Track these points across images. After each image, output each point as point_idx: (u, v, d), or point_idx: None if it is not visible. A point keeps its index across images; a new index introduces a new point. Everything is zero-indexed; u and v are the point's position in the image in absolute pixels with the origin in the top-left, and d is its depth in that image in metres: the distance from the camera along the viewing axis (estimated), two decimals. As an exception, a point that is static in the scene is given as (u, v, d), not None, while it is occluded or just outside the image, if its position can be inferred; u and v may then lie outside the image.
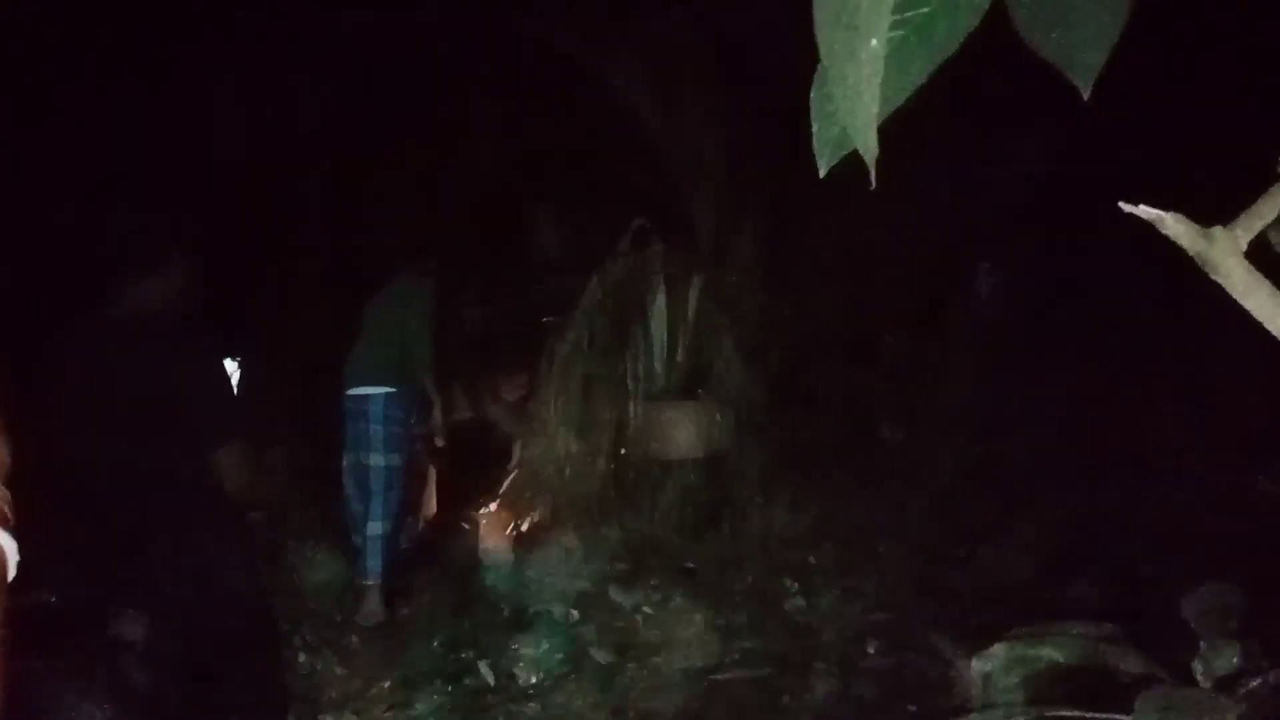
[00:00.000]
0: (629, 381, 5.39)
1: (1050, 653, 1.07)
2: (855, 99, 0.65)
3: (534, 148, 5.66)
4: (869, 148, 0.67)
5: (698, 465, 5.26)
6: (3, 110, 4.34)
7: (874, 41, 0.63)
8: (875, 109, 0.65)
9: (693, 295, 5.45)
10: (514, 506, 5.48)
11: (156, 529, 2.48)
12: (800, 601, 4.45)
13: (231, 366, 4.99)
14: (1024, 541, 3.39)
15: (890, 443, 4.96)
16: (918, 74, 0.86)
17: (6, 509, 0.74)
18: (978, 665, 1.12)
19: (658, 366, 5.42)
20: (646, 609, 4.47)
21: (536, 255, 6.12)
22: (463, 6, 4.97)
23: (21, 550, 0.74)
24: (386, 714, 3.81)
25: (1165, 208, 0.95)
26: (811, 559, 4.92)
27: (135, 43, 4.66)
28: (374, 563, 4.78)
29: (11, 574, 0.73)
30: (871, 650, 3.82)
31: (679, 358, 5.46)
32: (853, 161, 0.90)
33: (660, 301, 5.37)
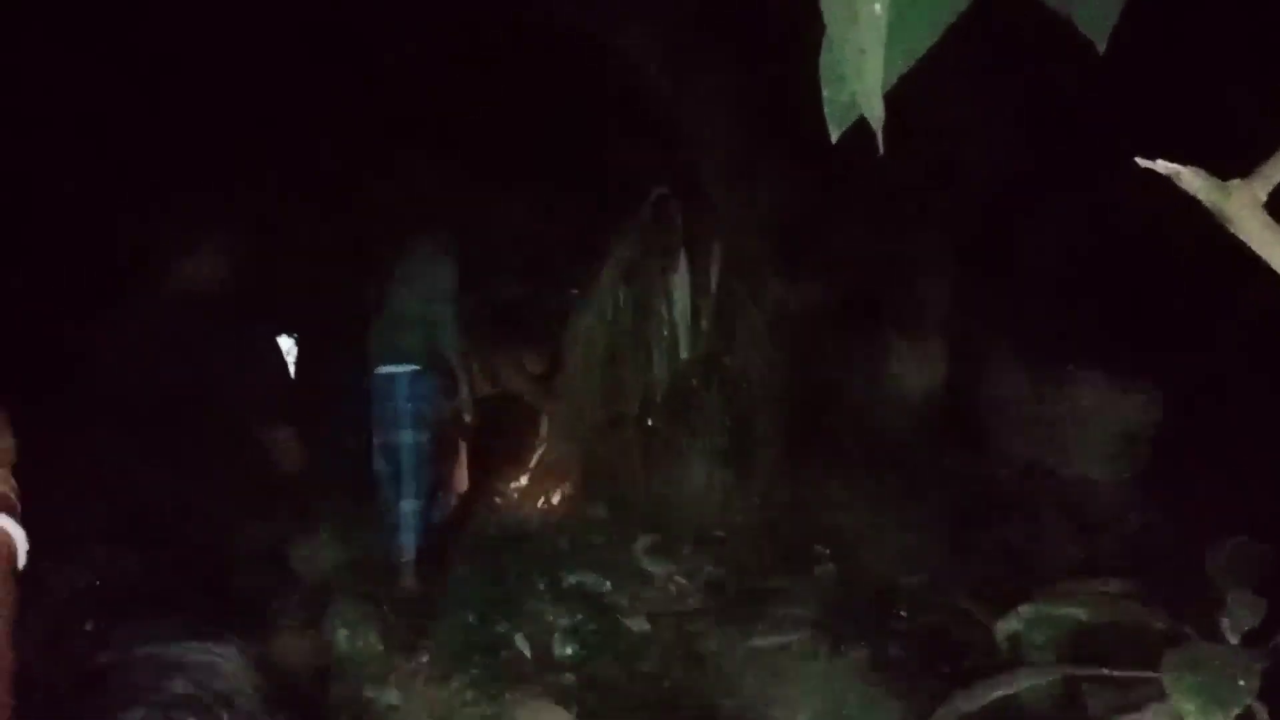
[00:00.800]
0: (652, 352, 5.39)
1: (1075, 611, 1.07)
2: (859, 64, 0.64)
3: (551, 120, 5.63)
4: (875, 113, 0.67)
5: (725, 433, 5.26)
6: (46, 93, 4.40)
7: (876, 5, 0.62)
8: (880, 74, 0.65)
9: (714, 264, 5.43)
10: (544, 480, 5.53)
11: (206, 503, 2.54)
12: (830, 567, 4.47)
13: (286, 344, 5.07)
14: (1048, 502, 3.39)
15: (918, 403, 4.94)
16: (926, 36, 0.86)
17: (14, 497, 0.76)
18: (1003, 625, 1.12)
19: (681, 336, 5.41)
20: (679, 578, 4.51)
21: (555, 228, 6.11)
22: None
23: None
24: (425, 688, 3.87)
25: (1182, 162, 0.94)
26: (842, 524, 4.93)
27: (172, 26, 4.71)
28: (407, 539, 4.84)
29: (22, 562, 0.75)
30: (903, 613, 3.84)
31: (703, 326, 5.45)
32: (865, 126, 0.90)
33: (682, 271, 5.35)
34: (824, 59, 0.87)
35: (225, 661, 2.45)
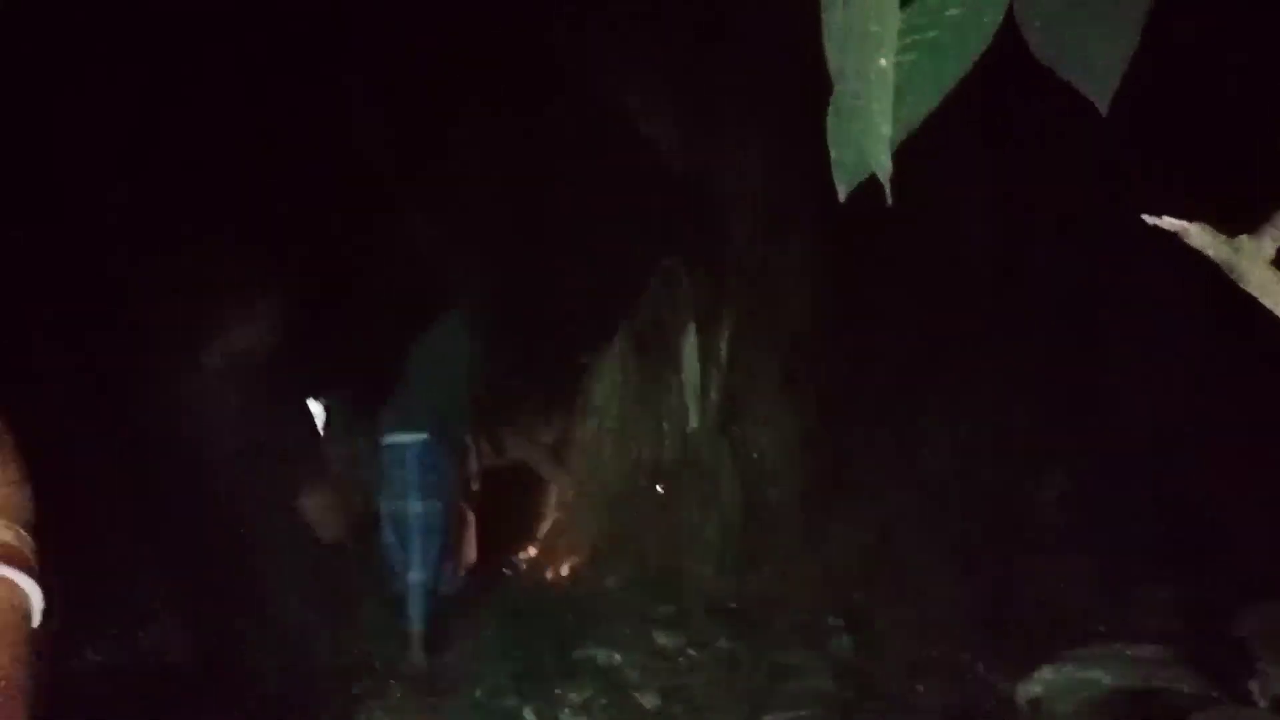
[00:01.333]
0: (663, 422, 5.39)
1: (1099, 674, 1.04)
2: (868, 120, 0.65)
3: (567, 188, 5.72)
4: (884, 168, 0.68)
5: (738, 504, 5.22)
6: (92, 155, 4.52)
7: (882, 61, 0.64)
8: (888, 129, 0.66)
9: (725, 332, 5.45)
10: (554, 550, 5.48)
11: (243, 565, 2.54)
12: (846, 640, 4.39)
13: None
14: (1073, 570, 3.33)
15: (931, 475, 4.89)
16: (931, 95, 0.87)
17: (29, 554, 0.75)
18: (1023, 690, 1.09)
19: (692, 406, 5.41)
20: (691, 650, 4.43)
21: (567, 296, 6.16)
22: (495, 41, 5.08)
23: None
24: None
25: (1190, 219, 0.94)
26: (856, 596, 4.86)
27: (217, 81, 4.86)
28: (415, 611, 4.78)
29: (36, 620, 0.74)
30: (921, 689, 3.75)
31: (714, 395, 5.45)
32: (872, 186, 0.91)
33: (692, 340, 5.37)
34: (830, 121, 0.89)
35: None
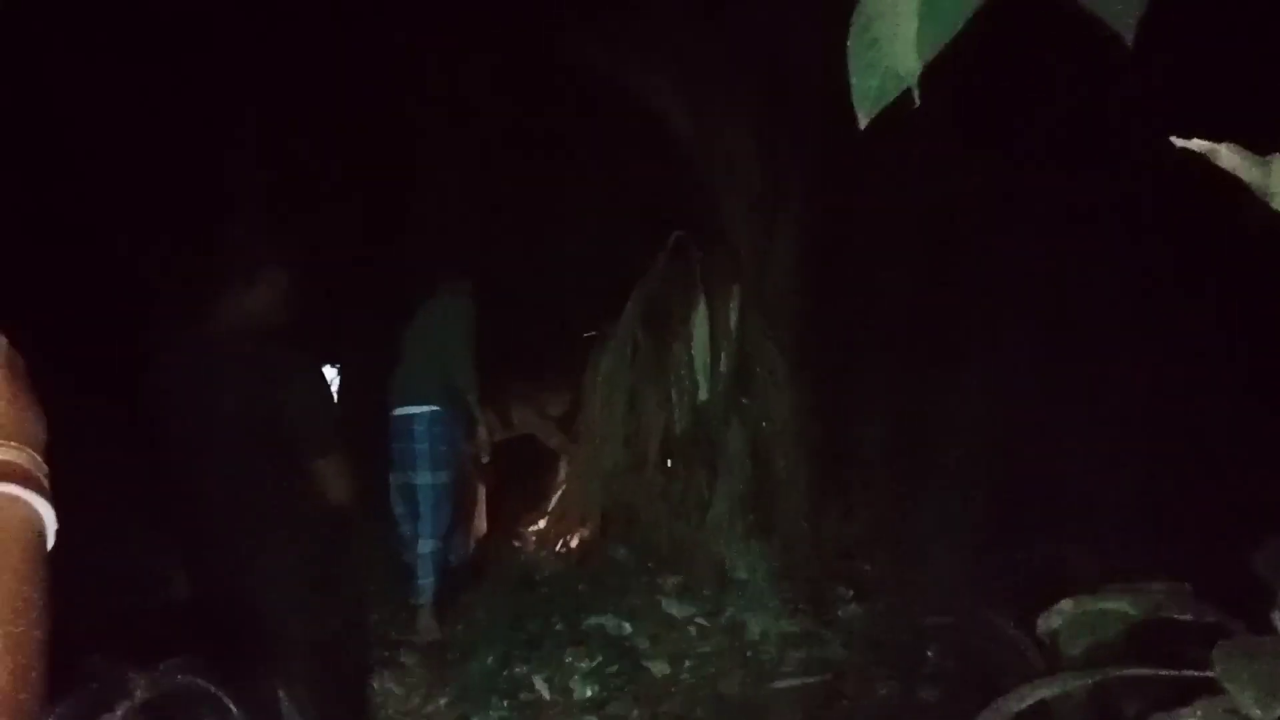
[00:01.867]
0: (672, 393, 5.38)
1: (1119, 605, 1.04)
2: (893, 24, 0.64)
3: (572, 161, 5.71)
4: (910, 68, 0.67)
5: (746, 475, 5.22)
6: (106, 128, 4.53)
7: (911, -43, 0.63)
8: (914, 26, 0.64)
9: (733, 305, 5.44)
10: (563, 522, 5.49)
11: (257, 539, 2.55)
12: (855, 608, 4.40)
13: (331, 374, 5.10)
14: (1079, 534, 3.32)
15: (940, 441, 4.89)
16: (953, 20, 0.86)
17: (45, 480, 0.75)
18: (1043, 624, 1.09)
19: (700, 378, 5.40)
20: (700, 620, 4.45)
21: (576, 269, 6.15)
22: (498, 24, 5.06)
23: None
24: (445, 730, 3.81)
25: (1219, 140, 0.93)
26: (865, 566, 4.87)
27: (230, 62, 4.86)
28: (426, 581, 4.82)
29: (51, 541, 0.74)
30: (930, 653, 3.76)
31: (721, 368, 5.44)
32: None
33: (701, 313, 5.36)
34: (852, 45, 0.87)
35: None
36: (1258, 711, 0.82)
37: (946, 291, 5.23)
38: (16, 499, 0.71)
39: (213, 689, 2.09)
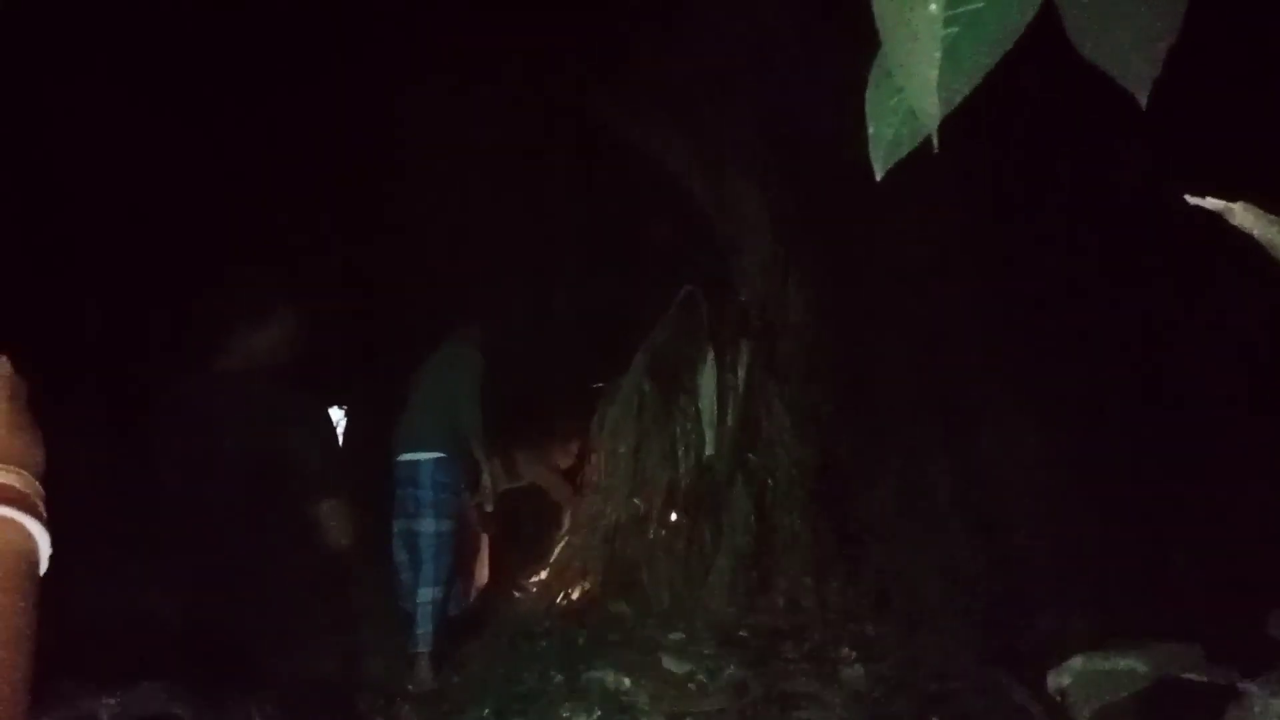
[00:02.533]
0: (678, 448, 5.37)
1: (1129, 664, 1.03)
2: (914, 68, 0.66)
3: (584, 214, 5.77)
4: (930, 113, 0.68)
5: (751, 532, 5.18)
6: (113, 160, 4.59)
7: (932, 6, 0.64)
8: (935, 72, 0.66)
9: (741, 361, 5.45)
10: (565, 574, 5.44)
11: (252, 575, 2.53)
12: (858, 669, 4.33)
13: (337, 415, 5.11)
14: (1083, 601, 3.29)
15: (947, 505, 4.86)
16: (972, 70, 0.88)
17: (40, 504, 0.75)
18: (1054, 680, 1.07)
19: (707, 432, 5.40)
20: (700, 677, 4.38)
21: (586, 320, 6.18)
22: (516, 77, 5.16)
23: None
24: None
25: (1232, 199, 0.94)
26: (869, 628, 4.80)
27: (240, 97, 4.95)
28: (424, 630, 4.77)
29: (43, 567, 0.73)
30: (935, 719, 3.69)
31: (728, 423, 5.44)
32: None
33: (709, 367, 5.37)
34: (870, 93, 0.89)
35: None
36: (1273, 771, 0.81)
37: (955, 353, 5.24)
38: (11, 522, 0.71)
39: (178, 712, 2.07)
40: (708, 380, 5.42)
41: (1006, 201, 4.26)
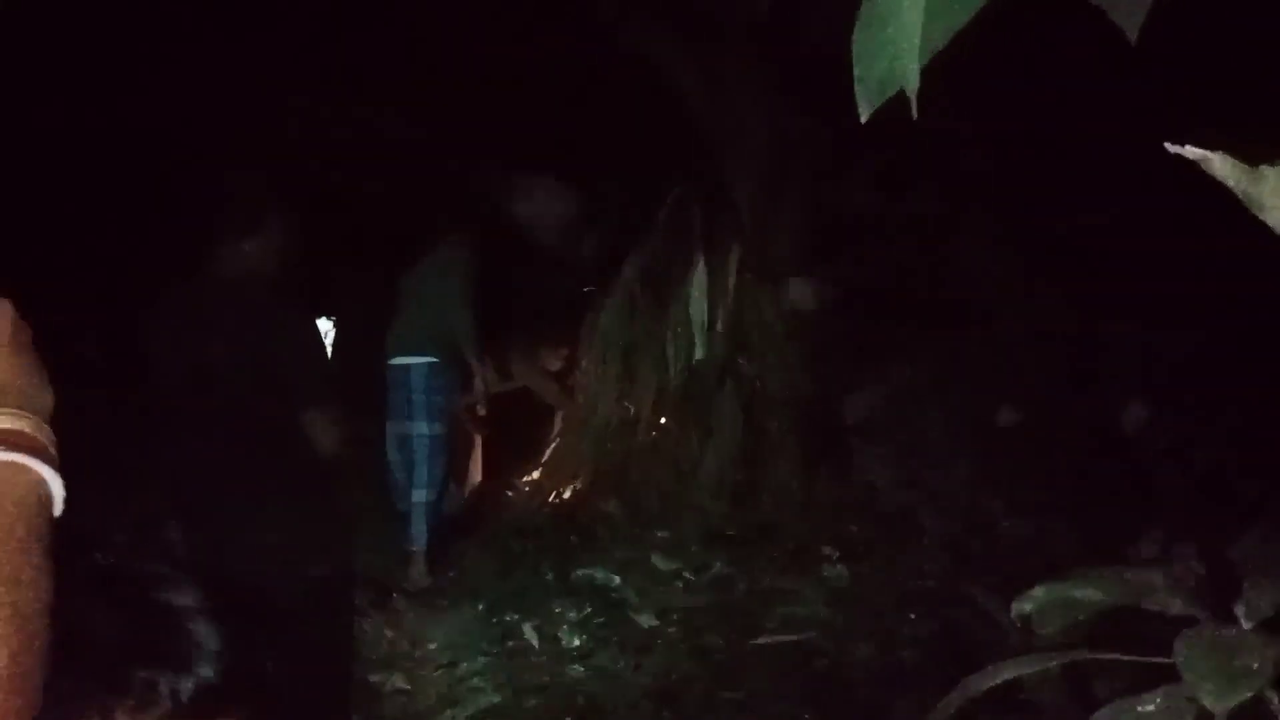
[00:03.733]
0: (668, 351, 5.41)
1: (1090, 592, 1.08)
2: (899, 25, 0.66)
3: (574, 118, 5.66)
4: (911, 80, 0.68)
5: (738, 435, 5.27)
6: (95, 76, 4.49)
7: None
8: (917, 34, 0.66)
9: (732, 265, 5.45)
10: (556, 475, 5.55)
11: (248, 487, 2.58)
12: (840, 569, 4.47)
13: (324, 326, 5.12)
14: (1068, 504, 3.39)
15: (932, 412, 4.93)
16: (961, 13, 0.87)
17: (52, 448, 0.73)
18: (1017, 607, 1.13)
19: (697, 336, 5.42)
20: (687, 574, 4.52)
21: (578, 223, 6.14)
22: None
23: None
24: (434, 674, 3.89)
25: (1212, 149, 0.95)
26: (853, 528, 4.93)
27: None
28: (418, 529, 4.88)
29: (58, 510, 0.73)
30: (913, 616, 3.84)
31: (718, 327, 5.46)
32: (895, 104, 0.91)
33: (700, 271, 5.37)
34: (857, 35, 0.88)
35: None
36: (1214, 702, 0.86)
37: (947, 260, 5.24)
38: (24, 468, 0.70)
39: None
40: (698, 284, 5.42)
41: (997, 115, 4.19)
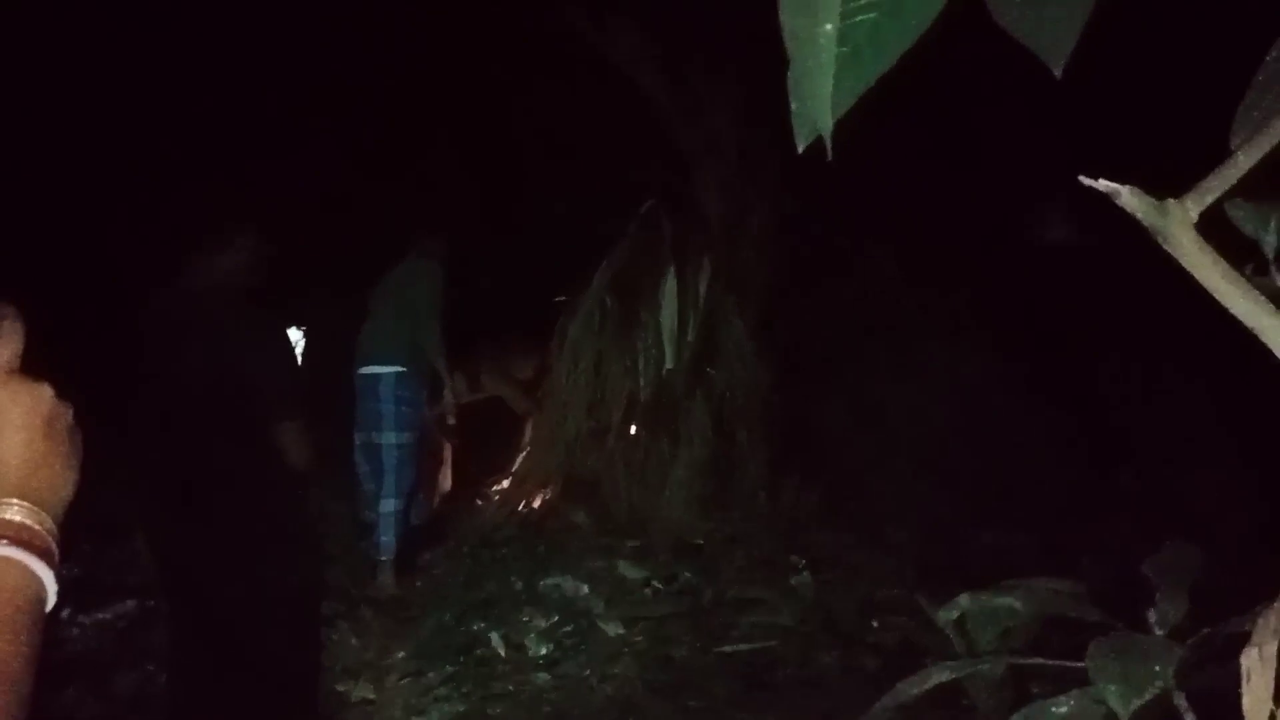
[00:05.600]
0: (638, 361, 5.44)
1: (1010, 602, 1.13)
2: (813, 79, 0.70)
3: (544, 129, 5.70)
4: (826, 127, 0.73)
5: (707, 445, 5.31)
6: (79, 91, 4.47)
7: (828, 26, 0.68)
8: (829, 89, 0.70)
9: (703, 276, 5.49)
10: (525, 484, 5.57)
11: (216, 495, 2.59)
12: (806, 577, 4.52)
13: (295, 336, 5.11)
14: (1022, 519, 3.46)
15: (897, 423, 5.01)
16: (887, 55, 0.91)
17: (53, 544, 0.73)
18: (943, 614, 1.18)
19: (667, 346, 5.46)
20: (655, 583, 4.55)
21: (548, 233, 6.17)
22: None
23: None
24: (400, 683, 3.90)
25: (1124, 182, 1.00)
26: (820, 537, 4.98)
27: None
28: (386, 539, 4.88)
29: (49, 606, 0.73)
30: (876, 624, 3.90)
31: (689, 337, 5.50)
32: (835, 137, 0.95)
33: (670, 282, 5.41)
34: (790, 76, 0.93)
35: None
36: (1119, 703, 0.91)
37: (912, 275, 5.32)
38: (19, 564, 0.70)
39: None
40: (668, 294, 5.46)
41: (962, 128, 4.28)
